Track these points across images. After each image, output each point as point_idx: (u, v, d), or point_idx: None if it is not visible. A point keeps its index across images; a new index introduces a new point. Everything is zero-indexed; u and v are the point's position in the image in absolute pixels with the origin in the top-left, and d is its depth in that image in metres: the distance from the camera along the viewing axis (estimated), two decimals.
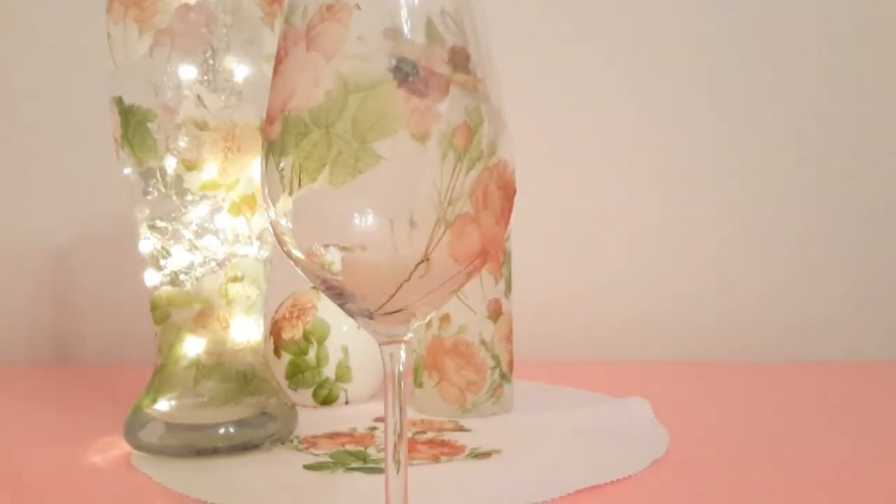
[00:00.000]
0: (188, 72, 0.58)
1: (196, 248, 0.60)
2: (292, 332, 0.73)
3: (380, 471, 0.57)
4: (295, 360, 0.73)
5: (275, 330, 0.74)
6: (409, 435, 0.65)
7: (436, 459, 0.59)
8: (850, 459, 0.60)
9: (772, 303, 1.00)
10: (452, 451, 0.61)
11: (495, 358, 0.71)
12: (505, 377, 0.72)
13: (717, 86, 1.00)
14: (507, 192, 0.38)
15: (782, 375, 0.88)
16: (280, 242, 0.38)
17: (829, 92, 0.99)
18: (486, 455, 0.60)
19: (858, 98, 0.99)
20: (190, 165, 0.59)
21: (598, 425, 0.67)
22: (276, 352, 0.73)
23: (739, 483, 0.55)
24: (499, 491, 0.53)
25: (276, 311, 0.75)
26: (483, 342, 0.71)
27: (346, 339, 0.73)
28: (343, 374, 0.73)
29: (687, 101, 1.00)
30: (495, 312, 0.71)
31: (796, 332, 0.99)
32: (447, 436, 0.65)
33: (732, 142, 1.00)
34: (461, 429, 0.67)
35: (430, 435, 0.65)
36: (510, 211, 0.38)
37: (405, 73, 0.35)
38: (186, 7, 0.59)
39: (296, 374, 0.73)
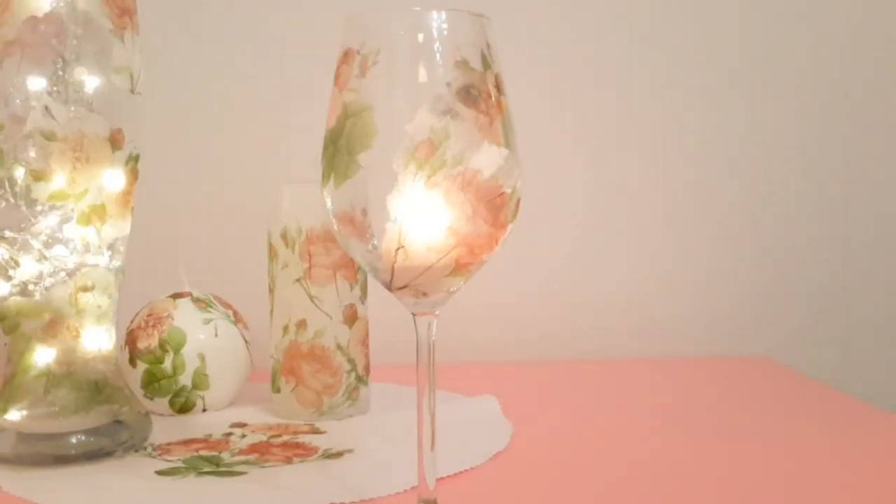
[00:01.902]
0: (36, 83, 0.59)
1: (45, 258, 0.60)
2: (148, 342, 0.73)
3: (232, 474, 0.58)
4: (151, 368, 0.73)
5: (130, 339, 0.74)
6: (265, 438, 0.67)
7: (288, 461, 0.61)
8: (676, 448, 0.65)
9: (616, 304, 1.05)
10: (305, 452, 0.63)
11: (351, 361, 0.73)
12: (361, 380, 0.74)
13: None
14: (478, 194, 0.44)
15: (626, 371, 0.93)
16: None
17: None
18: (337, 455, 0.62)
19: (719, 105, 1.05)
20: (38, 176, 0.59)
21: (447, 423, 0.70)
22: (132, 361, 0.74)
23: (572, 471, 0.59)
24: (345, 487, 0.55)
25: (132, 321, 0.76)
26: (339, 346, 0.73)
27: (202, 346, 0.74)
28: (200, 381, 0.74)
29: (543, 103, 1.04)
30: (351, 317, 0.73)
31: (642, 330, 1.05)
32: (302, 438, 0.67)
33: (587, 142, 1.04)
34: (316, 431, 0.69)
35: (285, 438, 0.67)
36: (495, 211, 0.45)
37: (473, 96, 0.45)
38: (35, 18, 0.59)
39: (151, 382, 0.73)
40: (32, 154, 0.59)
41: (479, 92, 0.45)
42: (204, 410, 0.75)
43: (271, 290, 0.74)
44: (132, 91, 0.62)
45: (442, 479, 0.56)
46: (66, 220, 0.60)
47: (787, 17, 1.04)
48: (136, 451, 0.63)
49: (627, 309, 1.04)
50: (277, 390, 0.74)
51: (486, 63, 0.46)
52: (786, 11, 1.04)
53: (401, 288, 0.47)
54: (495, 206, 0.45)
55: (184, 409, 0.74)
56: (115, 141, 0.61)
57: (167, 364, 0.73)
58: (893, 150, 1.06)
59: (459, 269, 0.46)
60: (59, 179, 0.59)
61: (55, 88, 0.59)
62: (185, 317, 0.75)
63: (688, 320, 1.05)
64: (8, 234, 0.60)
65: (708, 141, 1.05)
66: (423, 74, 0.44)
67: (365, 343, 0.75)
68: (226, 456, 0.63)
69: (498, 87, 0.46)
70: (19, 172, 0.59)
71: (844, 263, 1.06)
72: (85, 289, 0.61)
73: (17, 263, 0.60)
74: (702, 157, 1.05)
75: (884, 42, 1.05)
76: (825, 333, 1.06)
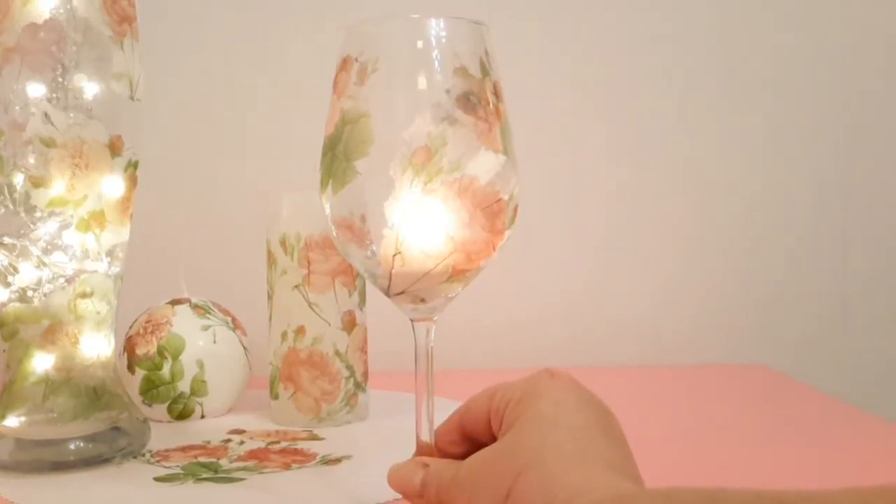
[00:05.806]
0: (36, 89, 0.59)
1: (44, 264, 0.60)
2: (146, 348, 0.73)
3: (230, 481, 0.58)
4: (149, 375, 0.73)
5: (129, 346, 0.74)
6: (263, 445, 0.67)
7: (287, 467, 0.61)
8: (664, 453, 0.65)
9: (614, 313, 1.05)
10: (304, 458, 0.63)
11: (350, 368, 0.73)
12: (359, 386, 0.74)
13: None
14: (475, 200, 0.45)
15: (624, 379, 0.93)
16: None
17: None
18: (336, 461, 0.62)
19: (728, 113, 1.05)
20: (37, 182, 0.59)
21: None
22: (131, 368, 0.74)
23: None
24: (343, 494, 0.55)
25: (131, 327, 0.76)
26: (337, 353, 0.73)
27: (201, 353, 0.74)
28: (198, 388, 0.74)
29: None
30: (349, 324, 0.74)
31: (639, 339, 1.05)
32: (300, 444, 0.67)
33: (590, 154, 1.05)
34: (315, 437, 0.69)
35: (283, 444, 0.67)
36: (492, 218, 0.45)
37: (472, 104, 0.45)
38: (35, 25, 0.59)
39: (150, 389, 0.73)
40: (32, 160, 0.59)
41: (477, 99, 0.45)
42: (202, 417, 0.75)
43: (270, 297, 0.74)
44: (131, 98, 0.63)
45: None
46: (65, 226, 0.60)
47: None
48: (135, 457, 0.63)
49: (625, 318, 1.04)
50: (276, 397, 0.74)
51: (485, 70, 0.46)
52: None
53: (399, 294, 0.47)
54: (492, 212, 0.45)
55: (182, 415, 0.74)
56: (114, 147, 0.61)
57: (166, 370, 0.73)
58: (892, 164, 1.06)
59: (457, 274, 0.46)
60: (58, 186, 0.59)
61: (55, 95, 0.59)
62: (183, 323, 0.75)
63: (685, 329, 1.05)
64: (7, 240, 0.60)
65: (707, 154, 1.05)
66: (421, 82, 0.45)
67: (363, 349, 0.75)
68: (224, 462, 0.63)
69: (496, 93, 0.46)
70: (18, 179, 0.59)
71: (843, 273, 1.06)
72: (84, 295, 0.61)
73: (15, 270, 0.60)
74: (700, 169, 1.05)
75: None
76: (823, 342, 1.06)
